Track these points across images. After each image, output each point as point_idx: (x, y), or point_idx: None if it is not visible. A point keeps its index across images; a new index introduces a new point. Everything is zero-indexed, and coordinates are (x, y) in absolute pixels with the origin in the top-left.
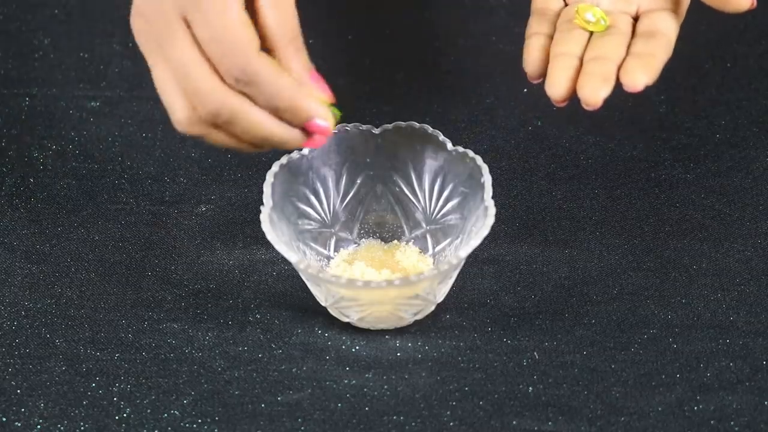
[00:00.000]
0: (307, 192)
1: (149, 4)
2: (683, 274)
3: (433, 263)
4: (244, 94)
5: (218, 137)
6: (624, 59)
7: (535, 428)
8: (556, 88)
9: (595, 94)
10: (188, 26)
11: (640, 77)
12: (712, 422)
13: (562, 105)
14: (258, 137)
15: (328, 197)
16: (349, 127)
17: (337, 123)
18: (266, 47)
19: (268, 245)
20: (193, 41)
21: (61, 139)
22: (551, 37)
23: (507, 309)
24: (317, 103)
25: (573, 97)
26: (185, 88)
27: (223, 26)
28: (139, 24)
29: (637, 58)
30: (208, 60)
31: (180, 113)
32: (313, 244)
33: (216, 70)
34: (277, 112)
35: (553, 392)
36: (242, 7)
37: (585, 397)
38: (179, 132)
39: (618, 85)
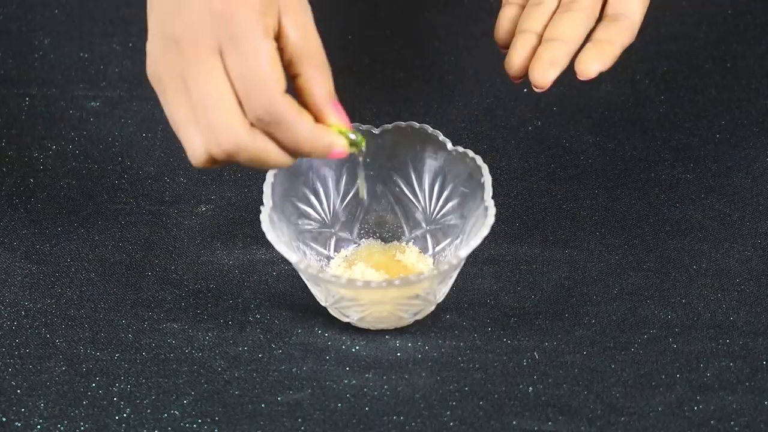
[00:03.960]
0: (307, 192)
1: (186, 33)
2: (683, 274)
3: (433, 263)
4: (265, 133)
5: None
6: (584, 42)
7: (535, 428)
8: (514, 67)
9: (543, 77)
10: (222, 60)
11: (593, 66)
12: (712, 422)
13: (519, 82)
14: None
15: (328, 197)
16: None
17: (359, 149)
18: (292, 73)
19: (268, 245)
20: (225, 74)
21: (61, 139)
22: (524, 7)
23: (507, 309)
24: (335, 137)
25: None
26: (205, 124)
27: (255, 64)
28: (163, 54)
29: (594, 46)
30: (235, 95)
31: (198, 149)
32: (313, 244)
33: (239, 108)
34: (296, 152)
35: (553, 392)
36: (274, 47)
37: (585, 397)
38: (195, 167)
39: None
